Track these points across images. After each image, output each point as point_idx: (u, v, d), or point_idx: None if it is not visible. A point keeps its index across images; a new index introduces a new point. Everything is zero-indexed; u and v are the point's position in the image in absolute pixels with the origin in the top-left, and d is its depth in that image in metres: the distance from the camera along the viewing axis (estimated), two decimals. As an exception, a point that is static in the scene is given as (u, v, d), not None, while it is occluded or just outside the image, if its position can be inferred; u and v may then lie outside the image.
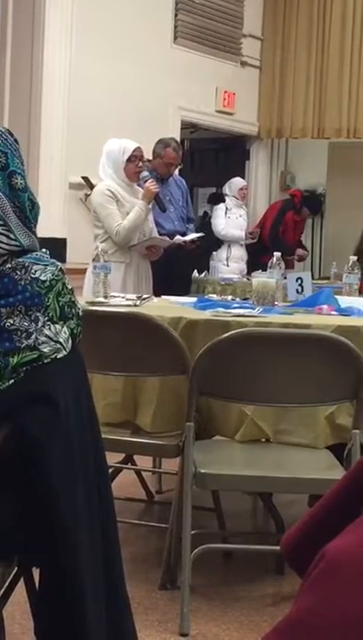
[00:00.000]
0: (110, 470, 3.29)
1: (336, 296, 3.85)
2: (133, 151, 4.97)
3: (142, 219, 5.01)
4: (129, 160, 4.96)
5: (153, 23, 7.88)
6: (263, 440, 3.13)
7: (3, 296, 1.69)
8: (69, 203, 6.93)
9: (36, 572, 1.83)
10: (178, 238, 5.54)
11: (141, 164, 5.06)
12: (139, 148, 5.05)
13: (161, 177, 5.70)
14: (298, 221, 8.67)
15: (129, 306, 3.41)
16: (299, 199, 8.66)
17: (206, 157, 10.08)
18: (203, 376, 2.76)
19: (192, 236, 5.64)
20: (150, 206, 5.15)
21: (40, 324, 1.71)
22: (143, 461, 3.96)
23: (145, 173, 5.14)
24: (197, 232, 6.19)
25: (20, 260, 1.74)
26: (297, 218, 8.60)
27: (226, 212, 8.04)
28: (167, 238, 5.42)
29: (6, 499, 1.72)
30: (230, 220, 8.02)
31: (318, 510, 1.17)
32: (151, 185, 5.08)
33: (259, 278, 3.90)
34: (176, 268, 5.82)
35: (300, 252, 8.54)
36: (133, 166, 4.98)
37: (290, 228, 8.54)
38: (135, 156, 4.98)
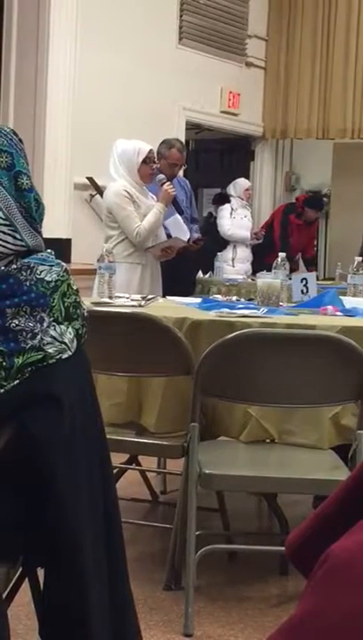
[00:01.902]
0: (115, 470, 3.29)
1: (341, 297, 3.85)
2: (148, 153, 4.95)
3: (160, 221, 4.99)
4: (144, 162, 4.94)
5: (158, 24, 7.89)
6: (268, 441, 3.13)
7: (8, 296, 1.69)
8: (74, 203, 6.94)
9: (40, 573, 1.83)
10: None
11: (154, 166, 5.05)
12: (152, 150, 5.05)
13: (165, 177, 5.70)
14: (302, 225, 8.63)
15: (134, 306, 3.41)
16: (300, 203, 8.64)
17: (211, 158, 10.08)
18: (207, 377, 2.76)
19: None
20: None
21: (45, 325, 1.71)
22: (148, 462, 3.96)
23: (161, 176, 5.13)
24: (201, 232, 6.18)
25: (25, 260, 1.74)
26: (299, 221, 8.56)
27: (231, 213, 8.04)
28: (183, 239, 5.41)
29: (11, 499, 1.72)
30: (236, 221, 8.02)
31: (323, 511, 1.17)
32: (169, 188, 5.07)
33: (264, 279, 3.90)
34: (181, 268, 5.81)
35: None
36: (148, 168, 4.96)
37: (294, 231, 8.51)
38: (149, 159, 4.96)
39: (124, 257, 4.83)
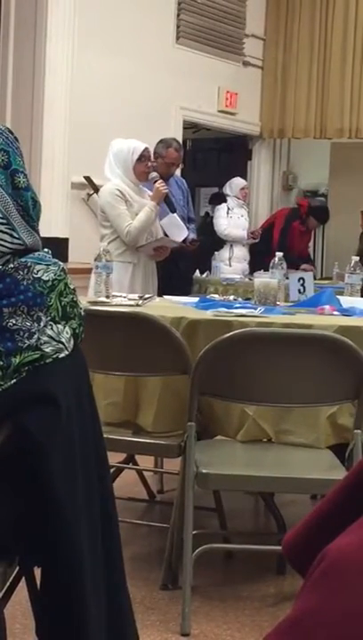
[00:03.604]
0: (112, 470, 3.29)
1: (338, 296, 3.85)
2: (143, 151, 4.96)
3: (152, 219, 4.99)
4: (139, 160, 4.94)
5: (155, 23, 7.88)
6: (265, 440, 3.13)
7: (5, 296, 1.69)
8: (72, 202, 6.94)
9: (37, 572, 1.83)
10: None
11: (149, 164, 5.05)
12: (147, 148, 5.05)
13: (162, 177, 5.69)
14: (304, 231, 8.64)
15: (131, 306, 3.41)
16: (305, 210, 8.63)
17: (209, 157, 10.08)
18: (204, 376, 2.76)
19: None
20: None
21: (42, 324, 1.71)
22: (145, 461, 3.96)
23: (154, 174, 5.13)
24: (198, 232, 6.16)
25: (22, 259, 1.74)
26: (302, 228, 8.57)
27: (228, 212, 8.04)
28: (181, 236, 5.41)
29: (7, 498, 1.72)
30: (232, 220, 8.01)
31: (320, 510, 1.17)
32: (161, 186, 5.07)
33: (261, 278, 3.90)
34: (178, 268, 5.81)
35: (305, 267, 8.44)
36: (143, 166, 4.97)
37: (296, 237, 8.51)
38: (144, 156, 4.96)
39: (116, 256, 4.82)
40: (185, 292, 5.69)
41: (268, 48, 9.52)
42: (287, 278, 4.24)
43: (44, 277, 1.73)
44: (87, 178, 6.95)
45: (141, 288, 4.91)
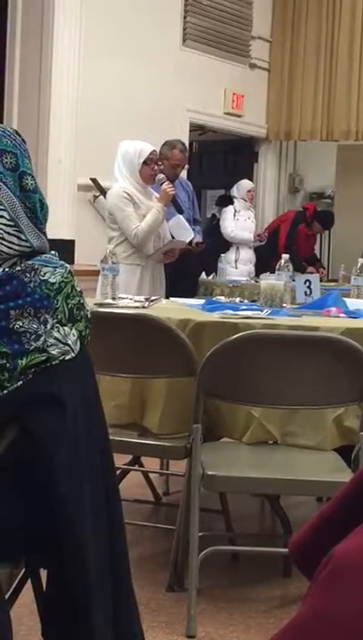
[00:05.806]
0: (118, 472, 3.29)
1: (344, 298, 3.84)
2: (150, 154, 4.95)
3: (160, 221, 4.99)
4: (145, 163, 4.94)
5: (162, 25, 7.89)
6: (271, 442, 3.13)
7: (12, 298, 1.69)
8: (78, 204, 6.94)
9: (43, 574, 1.83)
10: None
11: (156, 167, 5.04)
12: (155, 150, 5.04)
13: (167, 179, 5.69)
14: (310, 235, 8.65)
15: (137, 307, 3.41)
16: (311, 213, 8.63)
17: (215, 159, 10.09)
18: (210, 378, 2.76)
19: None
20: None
21: (49, 327, 1.71)
22: (151, 463, 3.96)
23: (161, 176, 5.13)
24: (204, 234, 6.16)
25: (29, 262, 1.74)
26: (308, 231, 8.57)
27: (234, 215, 8.04)
28: (187, 238, 5.41)
29: (13, 500, 1.72)
30: (239, 223, 8.02)
31: (327, 512, 1.17)
32: (168, 187, 5.06)
33: (267, 280, 3.89)
34: (184, 270, 5.81)
35: (312, 269, 8.41)
36: (149, 169, 4.96)
37: (301, 240, 8.52)
38: (151, 159, 4.96)
39: (123, 258, 4.82)
40: (191, 294, 5.69)
41: (274, 50, 9.53)
42: (294, 280, 4.24)
43: (51, 280, 1.73)
44: (93, 180, 6.96)
45: (148, 290, 4.90)
